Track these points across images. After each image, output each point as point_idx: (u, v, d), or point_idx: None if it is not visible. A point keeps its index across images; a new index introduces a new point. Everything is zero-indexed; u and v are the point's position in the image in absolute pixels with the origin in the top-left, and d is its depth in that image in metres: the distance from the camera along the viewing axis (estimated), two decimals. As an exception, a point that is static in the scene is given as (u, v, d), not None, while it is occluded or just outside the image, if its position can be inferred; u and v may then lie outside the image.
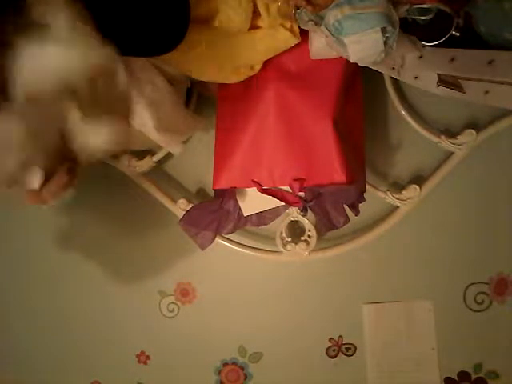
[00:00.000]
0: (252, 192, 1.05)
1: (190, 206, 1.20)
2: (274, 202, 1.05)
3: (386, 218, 1.21)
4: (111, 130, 0.69)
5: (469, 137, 1.15)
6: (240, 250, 1.24)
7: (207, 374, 1.37)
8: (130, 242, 1.33)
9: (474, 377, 1.31)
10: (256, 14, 0.89)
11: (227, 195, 1.08)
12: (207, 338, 1.35)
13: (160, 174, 1.28)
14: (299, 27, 0.92)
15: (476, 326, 1.28)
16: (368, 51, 0.83)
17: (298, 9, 0.88)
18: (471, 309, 1.28)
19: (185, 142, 1.11)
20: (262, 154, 1.00)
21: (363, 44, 0.81)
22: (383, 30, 0.80)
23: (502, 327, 1.28)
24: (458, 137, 1.16)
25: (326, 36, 0.84)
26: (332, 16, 0.80)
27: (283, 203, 1.05)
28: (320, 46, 0.91)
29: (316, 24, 0.85)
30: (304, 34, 0.93)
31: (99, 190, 1.32)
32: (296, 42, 0.93)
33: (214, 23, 0.88)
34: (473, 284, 1.28)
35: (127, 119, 0.73)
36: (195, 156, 1.25)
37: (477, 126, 1.18)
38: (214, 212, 1.10)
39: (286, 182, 1.01)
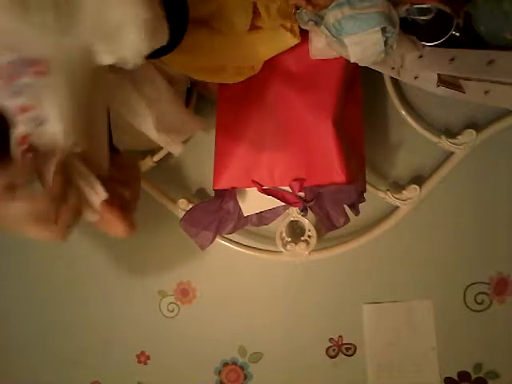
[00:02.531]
0: (252, 192, 1.05)
1: (190, 206, 1.20)
2: (274, 202, 1.05)
3: (385, 218, 1.21)
4: None
5: (469, 137, 1.15)
6: (240, 249, 1.24)
7: (207, 374, 1.37)
8: (130, 242, 1.33)
9: (473, 377, 1.31)
10: (256, 14, 0.88)
11: (227, 195, 1.08)
12: (207, 338, 1.35)
13: (160, 173, 1.28)
14: (299, 27, 0.92)
15: (476, 326, 1.28)
16: (368, 51, 0.83)
17: (298, 9, 0.88)
18: (471, 309, 1.28)
19: (185, 142, 1.11)
20: (262, 154, 1.00)
21: (363, 44, 0.81)
22: (383, 30, 0.80)
23: (502, 327, 1.28)
24: (458, 137, 1.16)
25: (326, 36, 0.84)
26: (332, 16, 0.80)
27: (283, 203, 1.05)
28: (320, 46, 0.91)
29: (316, 24, 0.85)
30: (304, 33, 0.93)
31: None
32: (296, 43, 0.92)
33: (214, 24, 0.88)
34: (473, 284, 1.28)
35: None
36: (195, 156, 1.26)
37: (477, 125, 1.18)
38: (215, 212, 1.10)
39: (286, 182, 1.01)
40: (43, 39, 0.41)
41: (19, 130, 0.43)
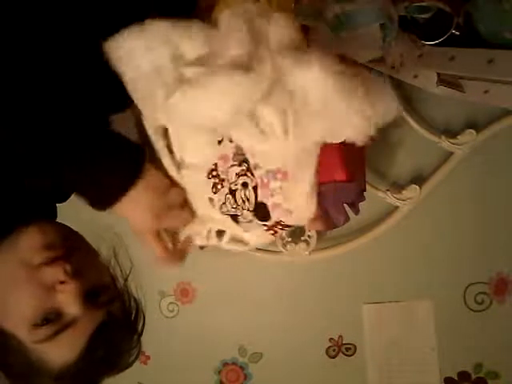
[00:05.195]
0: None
1: (190, 205, 1.20)
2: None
3: (386, 218, 1.22)
4: None
5: (469, 137, 1.15)
6: (240, 250, 1.24)
7: (207, 374, 1.38)
8: (130, 242, 1.33)
9: (473, 377, 1.31)
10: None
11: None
12: (207, 338, 1.36)
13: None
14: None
15: (476, 326, 1.28)
16: (366, 48, 0.83)
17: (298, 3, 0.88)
18: (471, 309, 1.28)
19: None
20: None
21: (361, 40, 0.81)
22: (382, 27, 0.81)
23: (502, 327, 1.28)
24: (458, 137, 1.16)
25: (325, 31, 0.84)
26: (331, 11, 0.80)
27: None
28: (320, 43, 0.91)
29: (315, 19, 0.85)
30: (304, 31, 0.93)
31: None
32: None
33: (212, 15, 0.88)
34: (473, 284, 1.28)
35: None
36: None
37: (477, 126, 1.18)
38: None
39: (285, 180, 1.00)
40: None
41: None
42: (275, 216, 0.59)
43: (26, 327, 0.64)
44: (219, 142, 0.60)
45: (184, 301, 1.36)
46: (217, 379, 1.38)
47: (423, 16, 0.89)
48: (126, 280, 0.78)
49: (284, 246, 1.20)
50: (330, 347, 1.34)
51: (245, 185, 0.59)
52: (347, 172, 0.97)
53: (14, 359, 0.67)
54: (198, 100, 0.55)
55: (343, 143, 0.97)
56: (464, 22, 0.94)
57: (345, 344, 1.33)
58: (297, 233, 1.21)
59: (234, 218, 0.61)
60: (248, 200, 0.59)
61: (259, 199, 0.58)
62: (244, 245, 0.65)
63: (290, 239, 1.20)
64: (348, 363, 1.34)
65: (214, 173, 0.61)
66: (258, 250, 1.24)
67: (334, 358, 1.34)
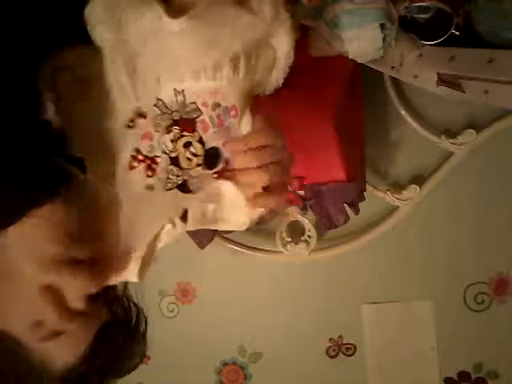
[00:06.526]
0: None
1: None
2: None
3: (386, 218, 1.22)
4: None
5: (469, 137, 1.15)
6: (240, 249, 1.24)
7: (207, 373, 1.38)
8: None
9: (473, 377, 1.31)
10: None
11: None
12: (207, 338, 1.35)
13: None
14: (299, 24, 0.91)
15: (476, 326, 1.28)
16: (366, 47, 0.83)
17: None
18: (471, 309, 1.28)
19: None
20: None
21: (361, 40, 0.81)
22: (382, 27, 0.80)
23: (502, 327, 1.28)
24: (458, 137, 1.16)
25: (325, 31, 0.84)
26: (331, 11, 0.80)
27: (283, 202, 1.04)
28: (320, 43, 0.91)
29: (315, 19, 0.85)
30: (304, 30, 0.93)
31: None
32: (296, 38, 0.92)
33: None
34: (473, 284, 1.28)
35: None
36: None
37: (477, 126, 1.17)
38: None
39: (285, 180, 1.01)
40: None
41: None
42: (228, 153, 0.58)
43: (28, 324, 0.62)
44: (129, 127, 0.56)
45: (184, 301, 1.36)
46: (217, 379, 1.38)
47: (423, 16, 0.89)
48: (125, 284, 0.74)
49: (284, 245, 1.20)
50: (329, 347, 1.34)
51: (187, 144, 0.57)
52: (347, 172, 0.97)
53: (13, 365, 0.64)
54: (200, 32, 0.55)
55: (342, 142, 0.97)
56: (464, 22, 0.94)
57: (345, 344, 1.33)
58: (297, 233, 1.21)
59: (184, 187, 0.57)
60: (196, 155, 0.57)
61: (210, 144, 0.58)
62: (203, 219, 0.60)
63: (289, 239, 1.20)
64: (348, 363, 1.34)
65: (140, 157, 0.56)
66: (258, 249, 1.24)
67: (334, 357, 1.34)
